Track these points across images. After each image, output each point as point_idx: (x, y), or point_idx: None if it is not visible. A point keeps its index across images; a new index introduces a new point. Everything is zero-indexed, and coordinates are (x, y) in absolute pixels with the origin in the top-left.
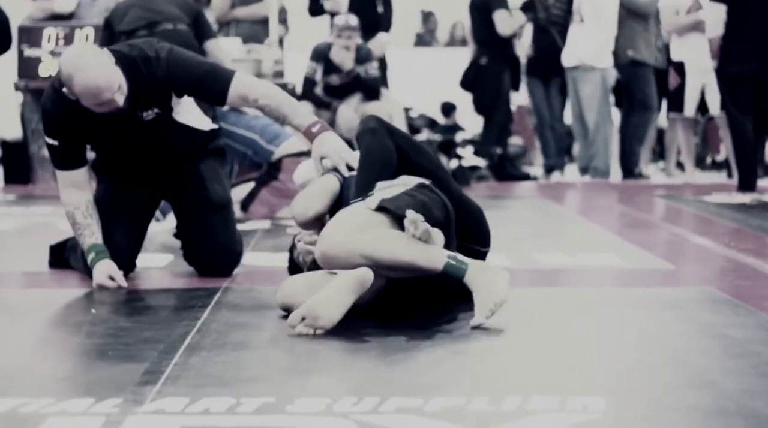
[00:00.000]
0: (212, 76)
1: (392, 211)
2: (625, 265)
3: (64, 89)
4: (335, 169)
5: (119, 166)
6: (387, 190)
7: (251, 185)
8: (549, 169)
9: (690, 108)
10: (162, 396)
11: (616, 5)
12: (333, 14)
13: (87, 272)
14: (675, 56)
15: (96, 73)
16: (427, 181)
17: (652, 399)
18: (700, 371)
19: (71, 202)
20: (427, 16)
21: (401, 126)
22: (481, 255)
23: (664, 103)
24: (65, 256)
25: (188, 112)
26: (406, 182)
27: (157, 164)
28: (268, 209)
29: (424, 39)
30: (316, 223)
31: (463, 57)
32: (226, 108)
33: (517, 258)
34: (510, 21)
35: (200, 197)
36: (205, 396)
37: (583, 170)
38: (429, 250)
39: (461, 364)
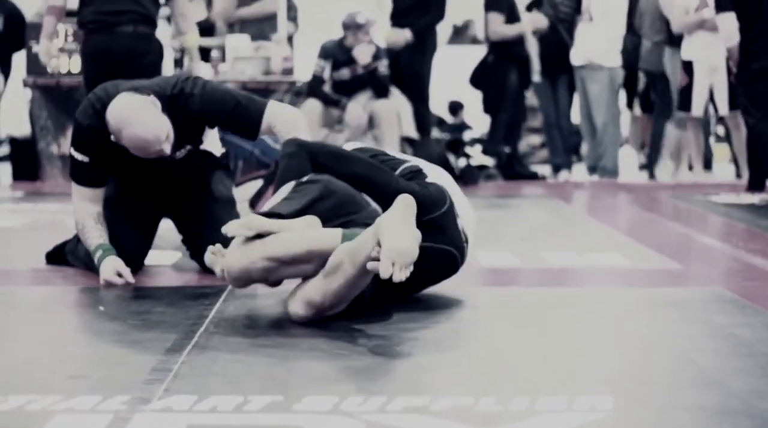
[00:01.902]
0: (244, 107)
1: (270, 214)
2: (632, 265)
3: (112, 137)
4: None
5: (134, 184)
6: (272, 202)
7: (259, 183)
8: (556, 168)
9: (698, 107)
10: (169, 394)
11: (625, 4)
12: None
13: (90, 268)
14: (683, 55)
15: (144, 128)
16: (306, 178)
17: (660, 398)
18: (708, 371)
19: (84, 209)
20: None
21: (409, 124)
22: (444, 216)
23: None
24: (65, 259)
25: (211, 138)
26: (287, 188)
27: (171, 187)
28: None
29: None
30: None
31: (472, 55)
32: None
33: (525, 257)
34: (501, 27)
35: (206, 193)
36: (213, 394)
37: (591, 169)
38: (322, 234)
39: (468, 364)
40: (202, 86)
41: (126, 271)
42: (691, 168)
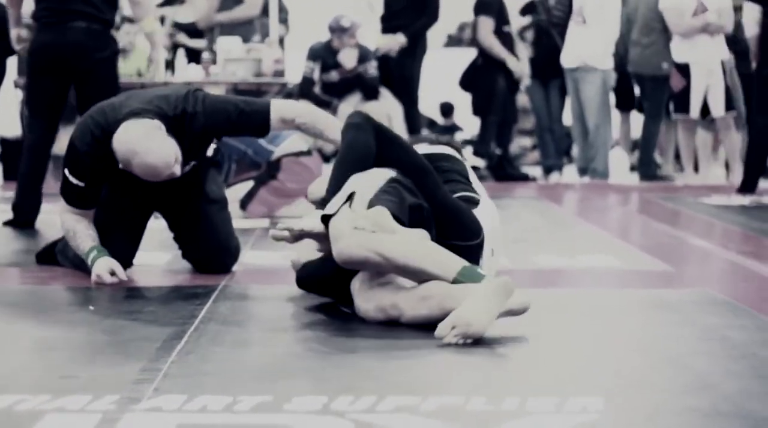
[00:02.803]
0: (248, 112)
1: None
2: (624, 267)
3: (120, 166)
4: None
5: (127, 188)
6: (362, 183)
7: (250, 184)
8: (548, 170)
9: (695, 110)
10: (159, 394)
11: (619, 7)
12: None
13: (80, 268)
14: (679, 58)
15: (154, 155)
16: (394, 173)
17: (651, 400)
18: (699, 373)
19: (73, 219)
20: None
21: (399, 126)
22: (469, 249)
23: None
24: (55, 259)
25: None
26: (378, 175)
27: (166, 190)
28: (266, 208)
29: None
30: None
31: (465, 57)
32: None
33: (516, 259)
34: (490, 38)
35: (198, 193)
36: (202, 393)
37: (582, 171)
38: (442, 262)
39: (459, 364)
40: (202, 102)
41: (119, 270)
42: (682, 169)
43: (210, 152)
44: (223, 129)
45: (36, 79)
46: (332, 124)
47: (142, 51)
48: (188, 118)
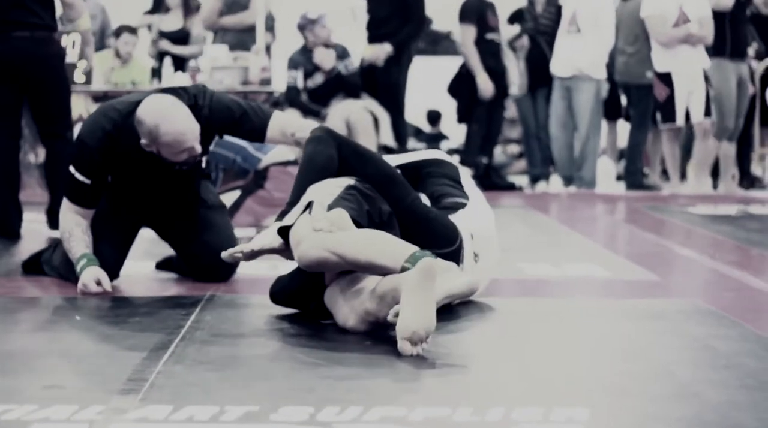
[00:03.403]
0: (250, 115)
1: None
2: (610, 276)
3: (143, 141)
4: None
5: (125, 196)
6: (320, 192)
7: (236, 194)
8: (534, 179)
9: (679, 118)
10: (146, 404)
11: (613, 15)
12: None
13: (67, 278)
14: (660, 67)
15: (181, 123)
16: (352, 181)
17: (637, 410)
18: (685, 382)
19: (73, 220)
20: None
21: (387, 132)
22: (443, 257)
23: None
24: (41, 268)
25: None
26: (335, 184)
27: (163, 198)
28: (253, 218)
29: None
30: None
31: (449, 65)
32: None
33: (503, 268)
34: (469, 47)
35: (198, 201)
36: (189, 404)
37: (566, 180)
38: (392, 252)
39: (445, 374)
40: (210, 98)
41: (106, 280)
42: (665, 177)
43: (203, 164)
44: (224, 127)
45: None
46: None
47: (139, 61)
48: (198, 110)
